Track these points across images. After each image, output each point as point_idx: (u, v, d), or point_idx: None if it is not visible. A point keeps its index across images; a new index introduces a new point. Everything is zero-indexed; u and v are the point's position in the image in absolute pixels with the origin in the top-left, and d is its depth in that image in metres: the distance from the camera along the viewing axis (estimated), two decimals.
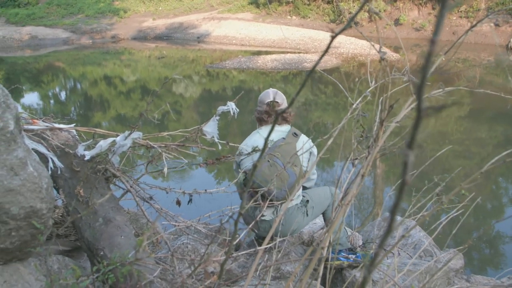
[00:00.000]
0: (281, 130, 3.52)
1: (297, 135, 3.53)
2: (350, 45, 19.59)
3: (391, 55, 16.94)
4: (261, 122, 3.64)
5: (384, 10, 23.52)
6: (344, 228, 3.66)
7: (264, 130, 3.58)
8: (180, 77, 14.59)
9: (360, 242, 4.21)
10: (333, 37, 0.69)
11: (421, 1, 23.06)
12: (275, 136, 3.46)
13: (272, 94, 3.59)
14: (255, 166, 0.91)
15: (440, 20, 0.52)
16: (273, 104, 3.55)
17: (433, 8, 22.74)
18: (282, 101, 3.60)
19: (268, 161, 3.19)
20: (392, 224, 0.65)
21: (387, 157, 7.31)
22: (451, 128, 9.66)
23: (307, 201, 3.48)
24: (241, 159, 3.46)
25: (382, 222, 4.46)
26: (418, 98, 0.55)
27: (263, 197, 3.05)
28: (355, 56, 18.67)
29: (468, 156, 8.01)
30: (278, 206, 3.34)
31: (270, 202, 3.09)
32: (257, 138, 3.54)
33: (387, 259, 3.63)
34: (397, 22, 22.80)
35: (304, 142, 3.52)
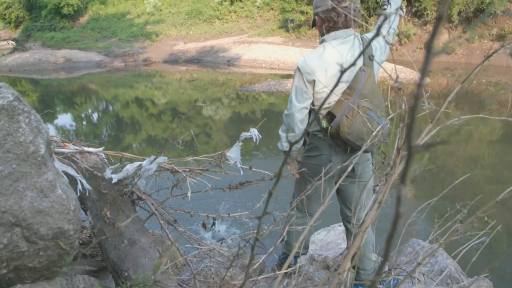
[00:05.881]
0: (352, 42, 2.91)
1: (373, 57, 2.97)
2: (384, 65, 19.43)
3: None
4: (328, 25, 2.93)
5: (414, 34, 23.45)
6: (373, 262, 3.51)
7: (337, 43, 2.92)
8: (203, 104, 14.75)
9: (387, 268, 4.18)
10: (342, 72, 0.73)
11: (451, 25, 22.92)
12: (348, 54, 2.87)
13: None
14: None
15: (426, 67, 0.56)
16: None
17: (464, 31, 22.58)
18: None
19: (363, 115, 2.79)
20: (388, 254, 0.68)
21: (415, 179, 7.27)
22: (482, 152, 9.53)
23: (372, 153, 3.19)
24: (311, 79, 2.91)
25: (409, 247, 4.42)
26: (407, 137, 0.59)
27: (352, 148, 2.92)
28: (384, 80, 18.59)
29: (500, 181, 7.86)
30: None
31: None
32: (330, 54, 2.89)
33: (413, 285, 3.60)
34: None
35: (377, 46, 3.04)
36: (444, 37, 23.19)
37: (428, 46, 0.55)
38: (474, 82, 16.56)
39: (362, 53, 0.66)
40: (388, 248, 0.67)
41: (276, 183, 0.93)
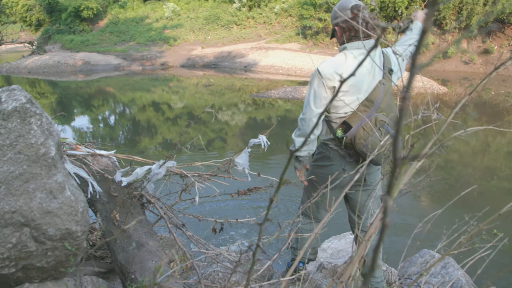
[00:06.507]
0: (373, 52, 2.89)
1: (392, 71, 2.99)
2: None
3: (438, 88, 16.74)
4: (349, 34, 2.92)
5: (432, 43, 23.32)
6: (383, 274, 3.50)
7: (358, 53, 2.88)
8: (212, 111, 14.79)
9: (397, 278, 4.15)
10: (341, 82, 0.73)
11: (470, 34, 22.76)
12: (368, 65, 2.87)
13: (353, 0, 2.88)
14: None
15: (411, 79, 0.57)
16: (359, 7, 2.84)
17: (483, 41, 22.41)
18: (366, 7, 2.89)
19: (380, 129, 2.82)
20: (375, 264, 0.69)
21: (427, 190, 7.21)
22: (499, 164, 9.42)
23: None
24: (331, 85, 2.85)
25: (420, 258, 4.40)
26: (393, 148, 0.60)
27: (363, 157, 2.90)
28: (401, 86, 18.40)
29: None
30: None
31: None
32: (352, 64, 2.85)
33: None
34: (445, 55, 22.53)
35: (395, 62, 3.03)
36: (463, 46, 23.02)
37: (413, 60, 0.56)
38: (493, 93, 16.42)
39: (360, 64, 0.66)
40: (375, 258, 0.67)
41: (277, 190, 0.94)
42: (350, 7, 2.84)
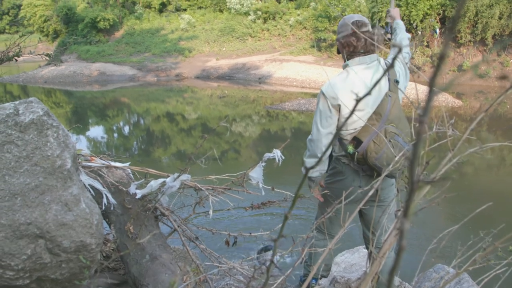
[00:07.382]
0: (376, 67, 2.94)
1: (398, 82, 2.99)
2: (411, 90, 19.23)
3: (453, 101, 16.63)
4: (348, 49, 2.95)
5: (447, 56, 23.18)
6: (397, 287, 3.47)
7: (361, 68, 2.92)
8: (227, 125, 14.82)
9: None
10: (357, 101, 0.73)
11: (485, 48, 22.65)
12: (372, 79, 2.87)
13: (356, 16, 2.95)
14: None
15: (429, 103, 0.57)
16: (358, 23, 2.88)
17: (498, 55, 22.26)
18: (368, 22, 2.95)
19: (390, 141, 2.80)
20: (391, 285, 0.68)
21: (442, 202, 7.13)
22: None
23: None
24: (335, 103, 2.87)
25: (434, 273, 4.35)
26: (410, 172, 0.59)
27: (378, 173, 2.87)
28: (416, 102, 18.29)
29: None
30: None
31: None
32: (354, 80, 2.89)
33: None
34: (460, 68, 22.40)
35: (399, 71, 3.06)
36: (477, 58, 22.90)
37: (430, 84, 0.55)
38: (508, 106, 16.28)
39: (377, 83, 0.66)
40: (391, 280, 0.67)
41: (292, 207, 0.93)
42: (351, 23, 2.88)
